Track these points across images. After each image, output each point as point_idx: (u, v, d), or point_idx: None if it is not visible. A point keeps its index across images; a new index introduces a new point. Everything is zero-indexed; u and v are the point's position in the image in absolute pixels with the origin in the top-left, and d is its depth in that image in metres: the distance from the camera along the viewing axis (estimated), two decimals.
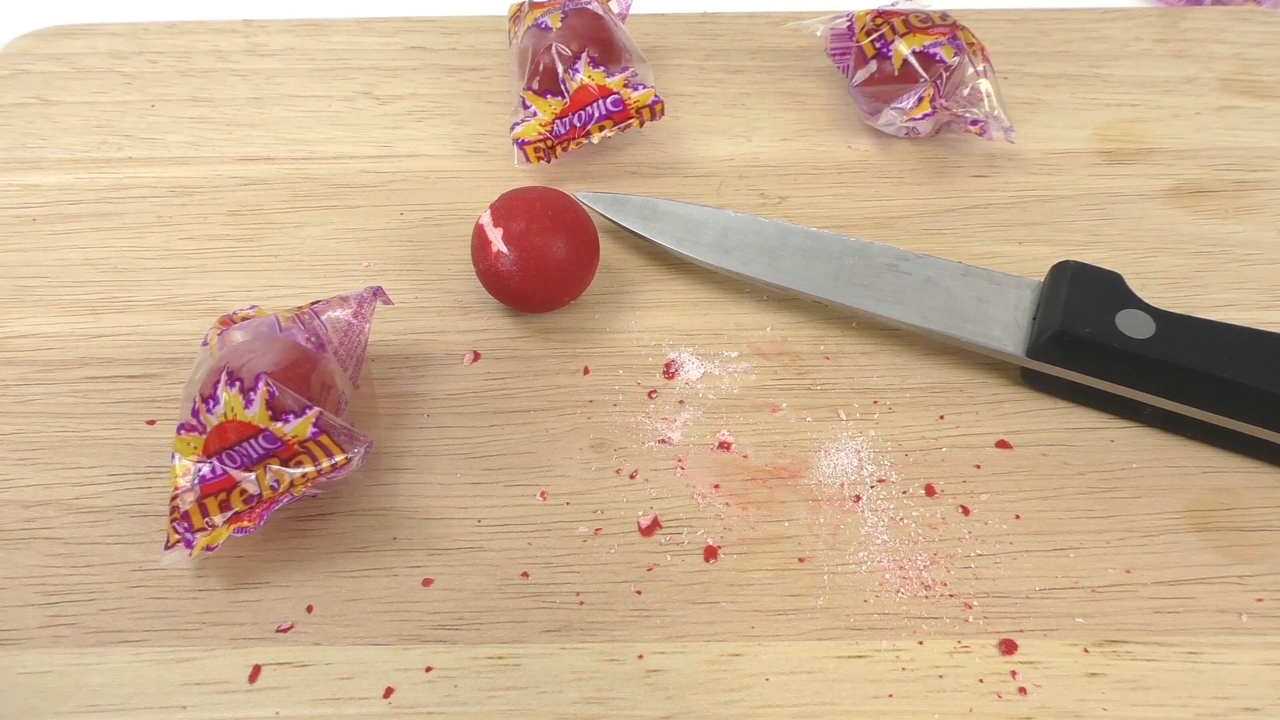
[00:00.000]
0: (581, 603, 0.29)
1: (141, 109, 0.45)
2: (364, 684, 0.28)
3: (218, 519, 0.29)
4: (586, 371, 0.35)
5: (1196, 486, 0.32)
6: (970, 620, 0.29)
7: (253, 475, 0.29)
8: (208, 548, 0.28)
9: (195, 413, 0.29)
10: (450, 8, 0.51)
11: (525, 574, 0.30)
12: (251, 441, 0.28)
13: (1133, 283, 0.33)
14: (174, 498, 0.29)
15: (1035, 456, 0.32)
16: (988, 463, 0.32)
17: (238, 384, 0.28)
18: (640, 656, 0.28)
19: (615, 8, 0.44)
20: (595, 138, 0.40)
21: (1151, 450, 0.33)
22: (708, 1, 0.52)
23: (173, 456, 0.29)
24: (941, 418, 0.34)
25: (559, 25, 0.42)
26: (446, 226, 0.40)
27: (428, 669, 0.28)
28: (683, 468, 0.32)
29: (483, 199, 0.41)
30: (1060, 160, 0.42)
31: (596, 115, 0.40)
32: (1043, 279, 0.35)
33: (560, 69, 0.40)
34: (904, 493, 0.32)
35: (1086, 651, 0.28)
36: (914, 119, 0.40)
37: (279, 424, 0.28)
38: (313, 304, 0.33)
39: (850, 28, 0.43)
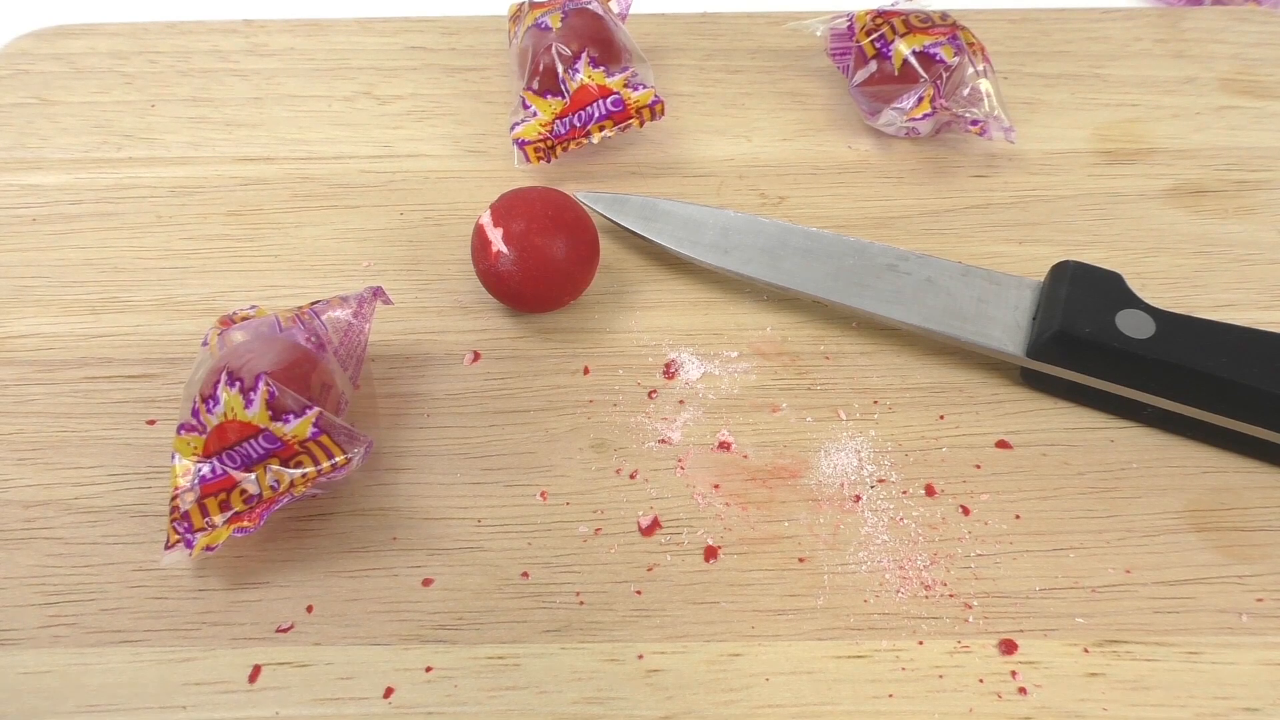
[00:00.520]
0: (581, 603, 0.29)
1: (141, 109, 0.45)
2: (364, 684, 0.28)
3: (218, 519, 0.29)
4: (586, 371, 0.35)
5: (1196, 486, 0.32)
6: (970, 620, 0.29)
7: (253, 475, 0.29)
8: (208, 548, 0.28)
9: (195, 413, 0.29)
10: (450, 8, 0.51)
11: (525, 574, 0.30)
12: (251, 441, 0.28)
13: (1133, 283, 0.33)
14: (174, 498, 0.29)
15: (1035, 456, 0.32)
16: (988, 463, 0.32)
17: (238, 384, 0.28)
18: (640, 656, 0.28)
19: (615, 8, 0.44)
20: (595, 138, 0.40)
21: (1151, 450, 0.33)
22: (708, 1, 0.52)
23: (173, 456, 0.29)
24: (941, 418, 0.34)
25: (559, 25, 0.42)
26: (446, 226, 0.40)
27: (428, 669, 0.28)
28: (683, 468, 0.32)
29: (483, 199, 0.41)
30: (1060, 160, 0.42)
31: (596, 115, 0.40)
32: (1043, 279, 0.35)
33: (560, 69, 0.40)
34: (904, 493, 0.32)
35: (1086, 651, 0.28)
36: (914, 119, 0.40)
37: (279, 424, 0.28)
38: (313, 304, 0.33)
39: (850, 28, 0.43)
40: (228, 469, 0.28)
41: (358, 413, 0.34)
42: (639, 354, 0.36)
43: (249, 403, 0.28)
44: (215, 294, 0.37)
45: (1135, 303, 0.32)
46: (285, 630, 0.29)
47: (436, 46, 0.48)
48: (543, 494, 0.32)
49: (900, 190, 0.41)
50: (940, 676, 0.28)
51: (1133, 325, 0.32)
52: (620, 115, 0.40)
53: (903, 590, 0.29)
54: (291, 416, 0.28)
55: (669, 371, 0.35)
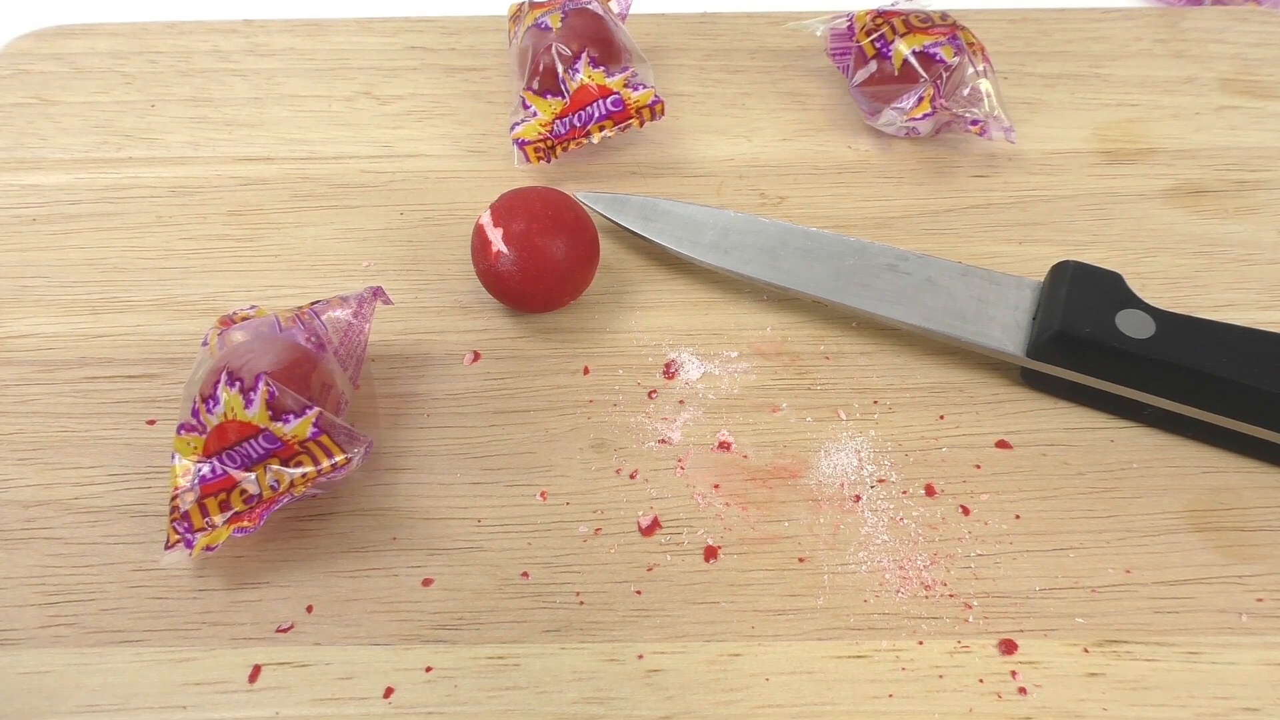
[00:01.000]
0: (581, 603, 0.29)
1: (141, 109, 0.45)
2: (364, 684, 0.28)
3: (218, 519, 0.29)
4: (586, 371, 0.35)
5: (1196, 486, 0.32)
6: (970, 620, 0.29)
7: (253, 475, 0.29)
8: (208, 548, 0.28)
9: (195, 413, 0.29)
10: (450, 8, 0.51)
11: (525, 574, 0.30)
12: (251, 441, 0.28)
13: (1133, 283, 0.33)
14: (174, 498, 0.29)
15: (1035, 456, 0.32)
16: (988, 463, 0.32)
17: (238, 384, 0.28)
18: (640, 656, 0.28)
19: (615, 8, 0.44)
20: (595, 138, 0.40)
21: (1151, 450, 0.33)
22: (708, 1, 0.52)
23: (173, 456, 0.29)
24: (941, 418, 0.34)
25: (559, 25, 0.42)
26: (446, 226, 0.40)
27: (428, 669, 0.28)
28: (683, 468, 0.32)
29: (483, 199, 0.41)
30: (1060, 160, 0.42)
31: (596, 115, 0.40)
32: (1043, 279, 0.35)
33: (560, 69, 0.40)
34: (904, 493, 0.32)
35: (1086, 651, 0.28)
36: (914, 119, 0.40)
37: (279, 424, 0.28)
38: (313, 304, 0.33)
39: (850, 28, 0.43)
40: (228, 469, 0.28)
41: (358, 413, 0.34)
42: (639, 354, 0.36)
43: (249, 403, 0.28)
44: (215, 294, 0.37)
45: (1135, 303, 0.32)
46: (285, 630, 0.29)
47: (436, 46, 0.48)
48: (543, 494, 0.32)
49: (900, 190, 0.41)
50: (940, 676, 0.28)
51: (1133, 325, 0.32)
52: (620, 115, 0.40)
53: (903, 590, 0.29)
54: (291, 416, 0.28)
55: (669, 371, 0.35)
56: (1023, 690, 0.27)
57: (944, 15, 0.42)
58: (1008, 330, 0.34)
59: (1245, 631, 0.28)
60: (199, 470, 0.29)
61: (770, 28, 0.49)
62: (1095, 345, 0.32)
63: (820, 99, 0.45)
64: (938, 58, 0.40)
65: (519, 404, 0.34)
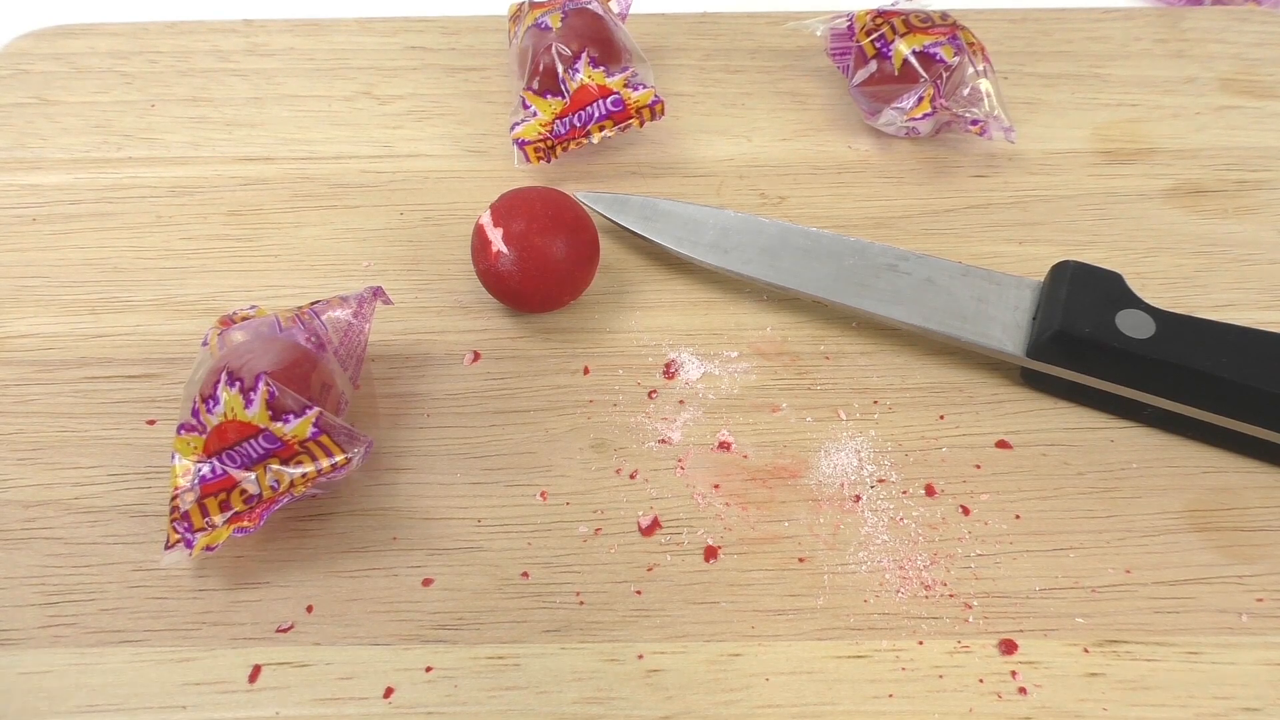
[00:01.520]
0: (581, 603, 0.29)
1: (141, 109, 0.45)
2: (364, 684, 0.28)
3: (218, 519, 0.29)
4: (586, 371, 0.35)
5: (1196, 486, 0.32)
6: (970, 620, 0.29)
7: (253, 475, 0.29)
8: (208, 548, 0.28)
9: (195, 413, 0.29)
10: (450, 8, 0.51)
11: (525, 574, 0.30)
12: (251, 441, 0.28)
13: (1133, 283, 0.33)
14: (174, 498, 0.29)
15: (1035, 456, 0.32)
16: (988, 463, 0.32)
17: (238, 384, 0.28)
18: (640, 656, 0.28)
19: (615, 8, 0.44)
20: (595, 138, 0.40)
21: (1151, 450, 0.33)
22: (708, 1, 0.52)
23: (173, 456, 0.29)
24: (941, 418, 0.34)
25: (559, 25, 0.42)
26: (446, 226, 0.40)
27: (428, 669, 0.28)
28: (683, 468, 0.32)
29: (483, 199, 0.41)
30: (1060, 160, 0.42)
31: (596, 115, 0.40)
32: (1043, 279, 0.35)
33: (560, 69, 0.40)
34: (904, 493, 0.32)
35: (1086, 651, 0.28)
36: (914, 119, 0.40)
37: (279, 424, 0.28)
38: (313, 304, 0.33)
39: (850, 28, 0.43)
40: (228, 469, 0.28)
41: (358, 413, 0.34)
42: (639, 354, 0.36)
43: (249, 403, 0.28)
44: (215, 294, 0.37)
45: (1135, 303, 0.32)
46: (285, 630, 0.29)
47: (436, 46, 0.48)
48: (543, 494, 0.32)
49: (900, 190, 0.41)
50: (940, 676, 0.28)
51: (1133, 325, 0.32)
52: (620, 115, 0.40)
53: (903, 590, 0.29)
54: (291, 416, 0.28)
55: (669, 371, 0.35)
56: (1023, 690, 0.27)
57: (944, 15, 0.42)
58: (1008, 330, 0.34)
59: (1245, 631, 0.28)
60: (199, 470, 0.29)
61: (770, 28, 0.49)
62: (1095, 345, 0.32)
63: (820, 99, 0.45)
64: (938, 58, 0.40)
65: (519, 404, 0.34)
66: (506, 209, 0.34)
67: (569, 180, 0.41)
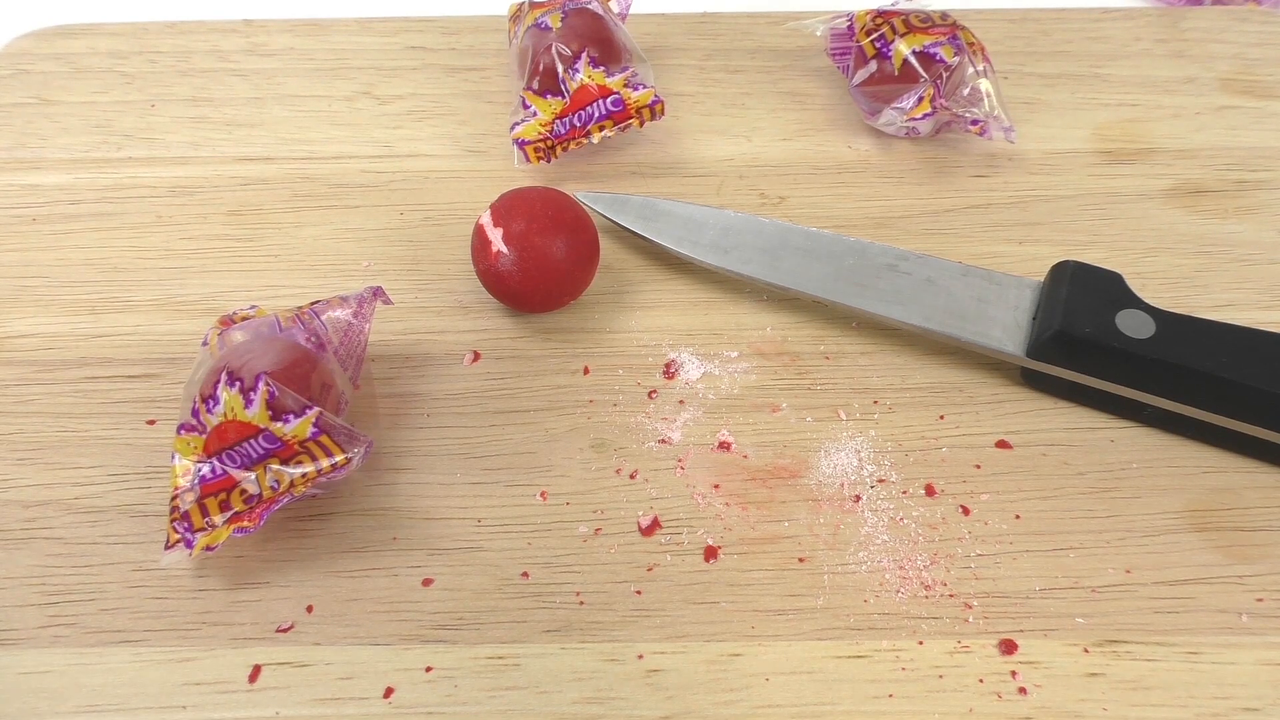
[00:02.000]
0: (581, 603, 0.29)
1: (141, 109, 0.45)
2: (364, 684, 0.28)
3: (218, 519, 0.29)
4: (586, 371, 0.35)
5: (1196, 486, 0.32)
6: (970, 620, 0.29)
7: (253, 475, 0.29)
8: (208, 548, 0.28)
9: (195, 413, 0.29)
10: (450, 8, 0.51)
11: (525, 574, 0.30)
12: (251, 441, 0.28)
13: (1133, 283, 0.33)
14: (174, 498, 0.29)
15: (1035, 456, 0.32)
16: (988, 463, 0.32)
17: (238, 384, 0.28)
18: (640, 656, 0.28)
19: (615, 8, 0.44)
20: (595, 138, 0.40)
21: (1151, 450, 0.33)
22: (708, 1, 0.52)
23: (173, 456, 0.29)
24: (941, 418, 0.34)
25: (559, 25, 0.42)
26: (446, 226, 0.40)
27: (428, 669, 0.28)
28: (683, 468, 0.32)
29: (483, 199, 0.41)
30: (1060, 160, 0.42)
31: (596, 115, 0.40)
32: (1043, 279, 0.35)
33: (560, 69, 0.40)
34: (904, 493, 0.32)
35: (1086, 651, 0.28)
36: (914, 119, 0.40)
37: (279, 424, 0.28)
38: (313, 304, 0.33)
39: (850, 28, 0.43)
40: (228, 469, 0.28)
41: (358, 413, 0.34)
42: (639, 354, 0.36)
43: (249, 403, 0.28)
44: (215, 294, 0.37)
45: (1135, 303, 0.32)
46: (285, 630, 0.29)
47: (436, 46, 0.48)
48: (543, 494, 0.32)
49: (900, 190, 0.41)
50: (940, 676, 0.28)
51: (1133, 325, 0.32)
52: (620, 115, 0.40)
53: (903, 590, 0.29)
54: (291, 416, 0.28)
55: (669, 371, 0.35)
56: (1023, 690, 0.27)
57: (944, 15, 0.42)
58: (1008, 330, 0.34)
59: (1245, 631, 0.28)
60: (199, 470, 0.29)
61: (770, 28, 0.49)
62: (1095, 345, 0.32)
63: (820, 99, 0.45)
64: (938, 58, 0.40)
65: (519, 404, 0.34)
66: (506, 209, 0.34)
67: (569, 180, 0.41)
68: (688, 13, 0.50)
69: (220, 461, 0.28)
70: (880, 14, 0.42)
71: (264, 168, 0.42)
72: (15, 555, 0.30)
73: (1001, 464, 0.32)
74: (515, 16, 0.45)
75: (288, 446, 0.28)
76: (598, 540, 0.31)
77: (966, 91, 0.41)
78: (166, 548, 0.28)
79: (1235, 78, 0.46)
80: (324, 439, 0.29)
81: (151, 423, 0.34)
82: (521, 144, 0.40)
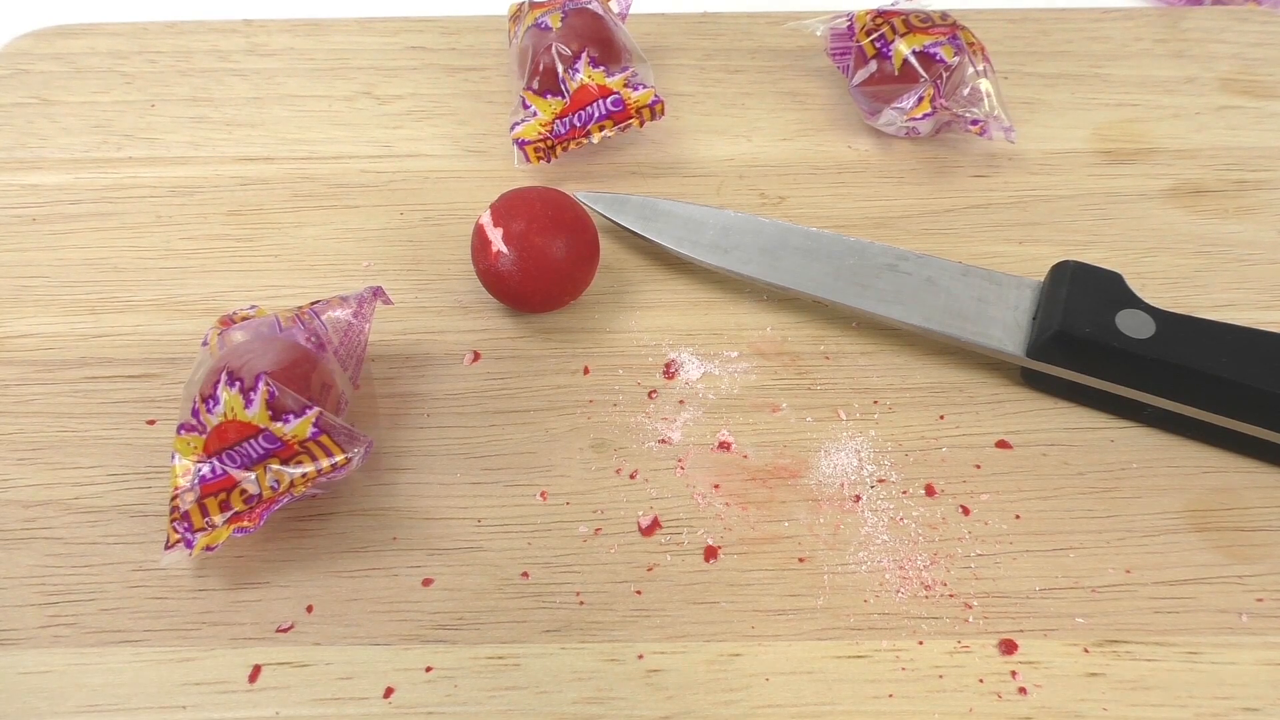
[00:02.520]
0: (581, 603, 0.29)
1: (141, 109, 0.45)
2: (364, 684, 0.28)
3: (218, 519, 0.29)
4: (586, 371, 0.35)
5: (1196, 486, 0.32)
6: (970, 620, 0.29)
7: (253, 475, 0.29)
8: (208, 548, 0.28)
9: (195, 413, 0.29)
10: (450, 8, 0.51)
11: (525, 574, 0.30)
12: (251, 441, 0.28)
13: (1133, 283, 0.33)
14: (174, 498, 0.29)
15: (1035, 456, 0.32)
16: (988, 463, 0.32)
17: (238, 384, 0.28)
18: (640, 656, 0.28)
19: (615, 8, 0.44)
20: (595, 138, 0.40)
21: (1151, 450, 0.33)
22: (708, 1, 0.52)
23: (173, 456, 0.29)
24: (941, 418, 0.34)
25: (559, 25, 0.42)
26: (446, 226, 0.40)
27: (428, 669, 0.28)
28: (683, 468, 0.32)
29: (483, 199, 0.41)
30: (1060, 160, 0.42)
31: (596, 115, 0.40)
32: (1043, 279, 0.35)
33: (560, 69, 0.40)
34: (904, 493, 0.32)
35: (1086, 651, 0.28)
36: (914, 119, 0.40)
37: (279, 424, 0.28)
38: (313, 304, 0.33)
39: (850, 28, 0.43)
40: (228, 469, 0.28)
41: (358, 413, 0.34)
42: (639, 354, 0.36)
43: (249, 403, 0.28)
44: (215, 294, 0.37)
45: (1135, 303, 0.32)
46: (285, 630, 0.29)
47: (436, 46, 0.48)
48: (543, 494, 0.32)
49: (900, 190, 0.41)
50: (940, 676, 0.28)
51: (1133, 325, 0.32)
52: (620, 115, 0.40)
53: (903, 590, 0.29)
54: (291, 416, 0.28)
55: (669, 371, 0.35)
56: (1023, 690, 0.27)
57: (944, 15, 0.42)
58: (1008, 330, 0.34)
59: (1245, 631, 0.28)
60: (199, 470, 0.29)
61: (770, 28, 0.49)
62: (1095, 345, 0.32)
63: (820, 99, 0.45)
64: (938, 58, 0.40)
65: (519, 404, 0.34)
66: (506, 209, 0.34)
67: (569, 180, 0.41)
68: (688, 13, 0.50)
69: (220, 461, 0.28)
70: (880, 14, 0.42)
71: (264, 168, 0.42)
72: (15, 555, 0.30)
73: (1001, 464, 0.32)
74: (515, 16, 0.45)
75: (288, 446, 0.28)
76: (598, 540, 0.31)
77: (966, 91, 0.41)
78: (166, 548, 0.28)
79: (1235, 78, 0.46)
80: (324, 439, 0.29)
81: (151, 423, 0.34)
82: (521, 144, 0.40)
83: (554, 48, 0.40)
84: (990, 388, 0.34)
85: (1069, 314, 0.32)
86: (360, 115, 0.45)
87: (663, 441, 0.33)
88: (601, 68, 0.41)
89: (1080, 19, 0.49)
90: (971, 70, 0.41)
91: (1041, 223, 0.40)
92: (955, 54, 0.40)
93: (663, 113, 0.41)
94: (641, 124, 0.41)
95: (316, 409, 0.29)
